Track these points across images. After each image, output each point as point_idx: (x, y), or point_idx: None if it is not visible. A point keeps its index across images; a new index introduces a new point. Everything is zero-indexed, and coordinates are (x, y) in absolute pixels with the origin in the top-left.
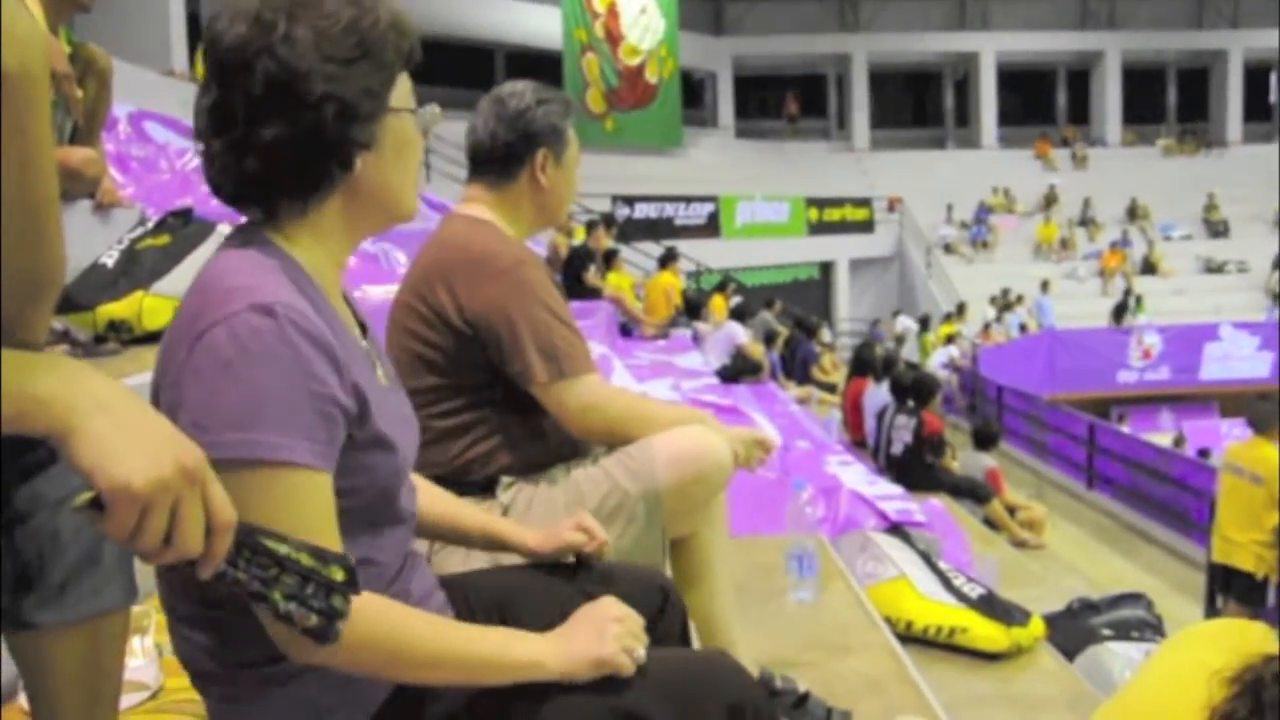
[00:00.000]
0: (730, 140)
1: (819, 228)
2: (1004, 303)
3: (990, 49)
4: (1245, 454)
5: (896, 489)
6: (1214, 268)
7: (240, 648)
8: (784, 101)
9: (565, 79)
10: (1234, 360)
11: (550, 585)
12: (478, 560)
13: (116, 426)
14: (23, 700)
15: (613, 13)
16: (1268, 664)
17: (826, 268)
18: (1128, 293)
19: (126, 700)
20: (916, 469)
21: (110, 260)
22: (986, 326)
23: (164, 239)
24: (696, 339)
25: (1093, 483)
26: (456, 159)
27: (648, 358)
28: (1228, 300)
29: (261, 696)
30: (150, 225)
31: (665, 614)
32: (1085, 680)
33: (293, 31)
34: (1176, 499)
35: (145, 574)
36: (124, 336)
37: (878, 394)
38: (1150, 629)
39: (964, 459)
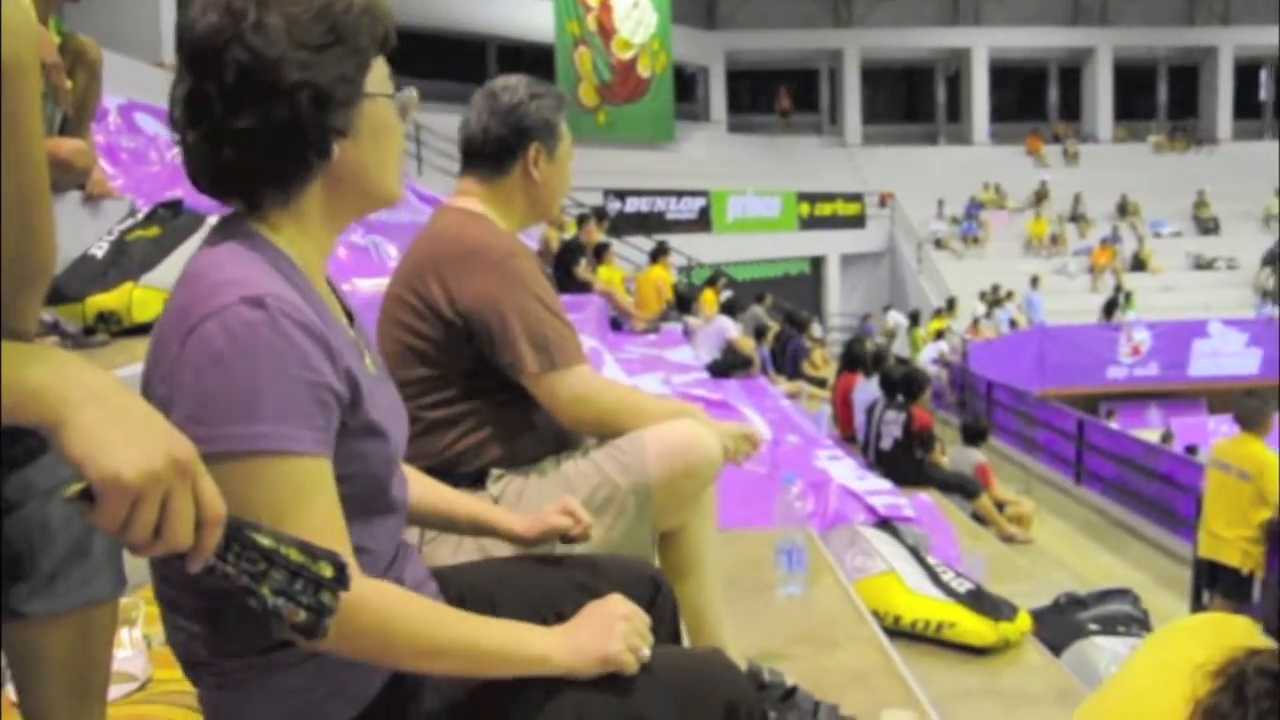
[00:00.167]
0: (722, 134)
1: (810, 222)
2: (994, 298)
3: (982, 45)
4: (1232, 450)
5: (886, 484)
6: (1203, 264)
7: (234, 638)
8: (776, 96)
9: (557, 72)
10: (1223, 357)
11: (540, 577)
12: (468, 551)
13: (108, 418)
14: (10, 691)
15: (605, 6)
16: (1251, 658)
17: (817, 262)
18: (1118, 289)
19: (115, 691)
20: (906, 464)
21: (100, 252)
22: (975, 321)
23: (154, 230)
24: (687, 333)
25: (1081, 478)
26: (448, 152)
27: (638, 352)
28: (1217, 297)
29: (255, 687)
30: (140, 217)
31: (656, 605)
32: (1072, 675)
33: (264, 19)
34: (1164, 495)
35: (134, 565)
36: (113, 328)
37: (868, 389)
38: (1137, 624)
39: (953, 454)
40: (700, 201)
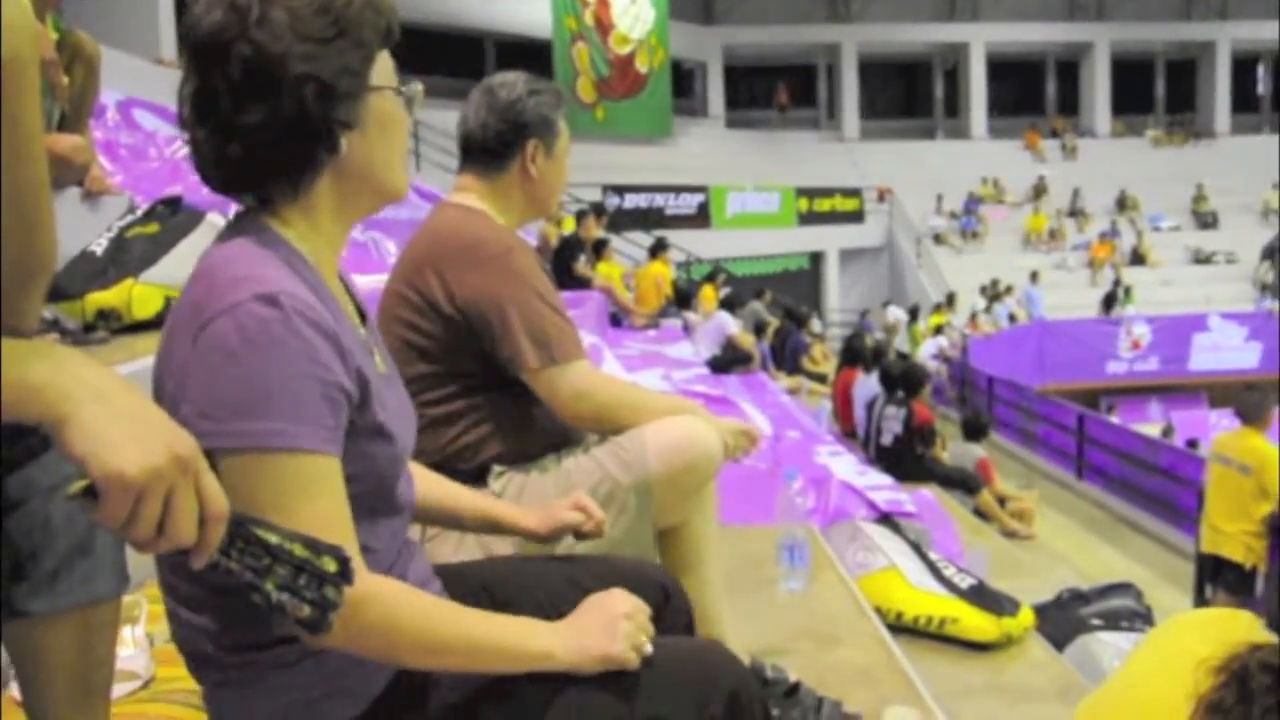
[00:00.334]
0: (720, 130)
1: (809, 218)
2: (993, 293)
3: (980, 39)
4: (1233, 444)
5: (886, 479)
6: (1202, 258)
7: (241, 632)
8: (774, 91)
9: (555, 68)
10: (1223, 351)
11: (546, 579)
12: (469, 549)
13: (111, 415)
14: (14, 689)
15: (603, 2)
16: (1254, 653)
17: (816, 258)
18: (1116, 283)
19: (117, 690)
20: (906, 459)
21: (99, 248)
22: (973, 316)
23: (153, 227)
24: (687, 329)
25: (1082, 473)
26: (447, 148)
27: (638, 348)
28: (1216, 291)
29: (260, 681)
30: (139, 213)
31: (667, 613)
32: (1075, 670)
33: (267, 14)
34: (1165, 489)
35: (137, 563)
36: (113, 325)
37: (868, 384)
38: (1140, 619)
39: (954, 450)
40: (699, 197)
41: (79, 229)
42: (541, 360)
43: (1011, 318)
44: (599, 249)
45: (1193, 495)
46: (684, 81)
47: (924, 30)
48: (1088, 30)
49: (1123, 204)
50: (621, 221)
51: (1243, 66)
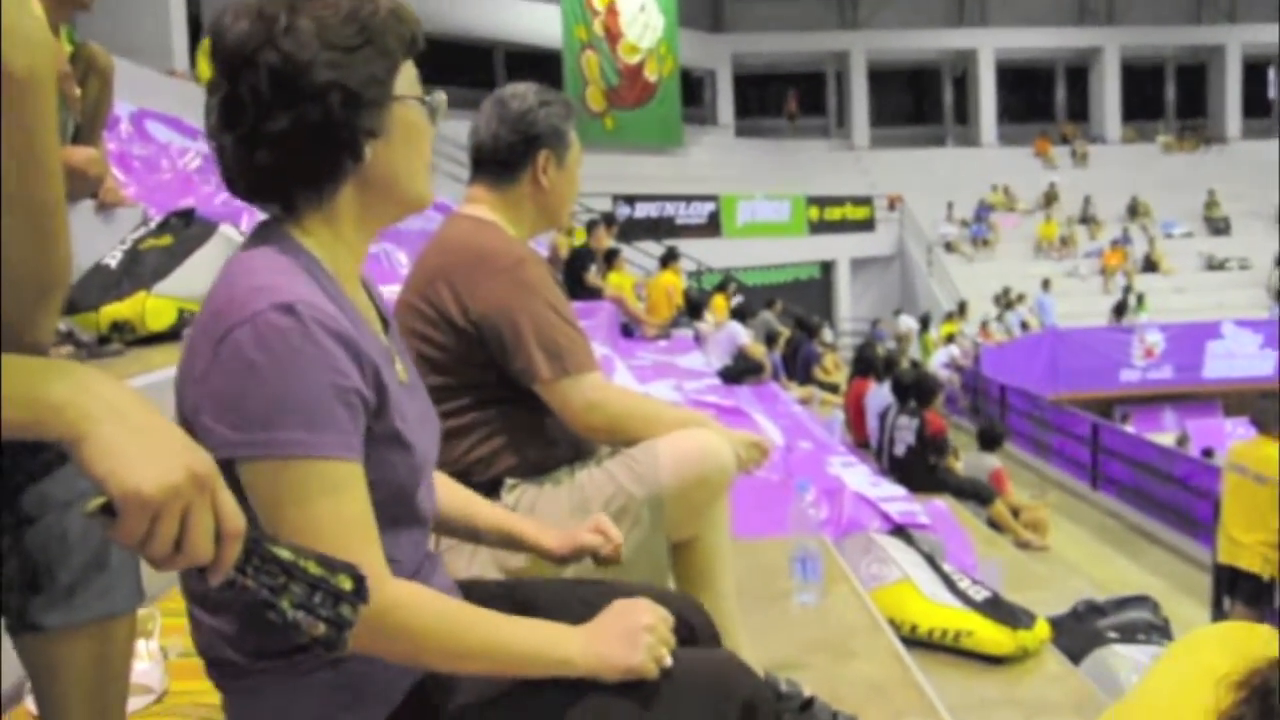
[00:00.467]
0: (730, 139)
1: (819, 227)
2: (1005, 301)
3: (989, 46)
4: (1250, 453)
5: (899, 490)
6: (1216, 265)
7: (261, 638)
8: (784, 99)
9: (565, 77)
10: (1237, 358)
11: (569, 607)
12: (482, 562)
13: (129, 433)
14: (30, 703)
15: (612, 10)
16: (1274, 668)
17: (827, 267)
18: (1127, 290)
19: (131, 703)
20: (919, 470)
21: (113, 261)
22: (985, 325)
23: (166, 239)
24: (698, 339)
25: (1097, 483)
26: (457, 158)
27: (649, 358)
28: (1230, 298)
29: (281, 688)
30: (153, 225)
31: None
32: (1092, 684)
33: (294, 23)
34: (1181, 499)
35: (151, 577)
36: (127, 337)
37: (880, 394)
38: (1157, 631)
39: (968, 459)
40: (709, 206)
41: (93, 241)
42: (554, 371)
43: (1024, 326)
44: (610, 259)
45: (1208, 505)
46: (693, 90)
47: (933, 37)
48: (1097, 35)
49: (1134, 210)
50: (632, 231)
51: (1253, 71)
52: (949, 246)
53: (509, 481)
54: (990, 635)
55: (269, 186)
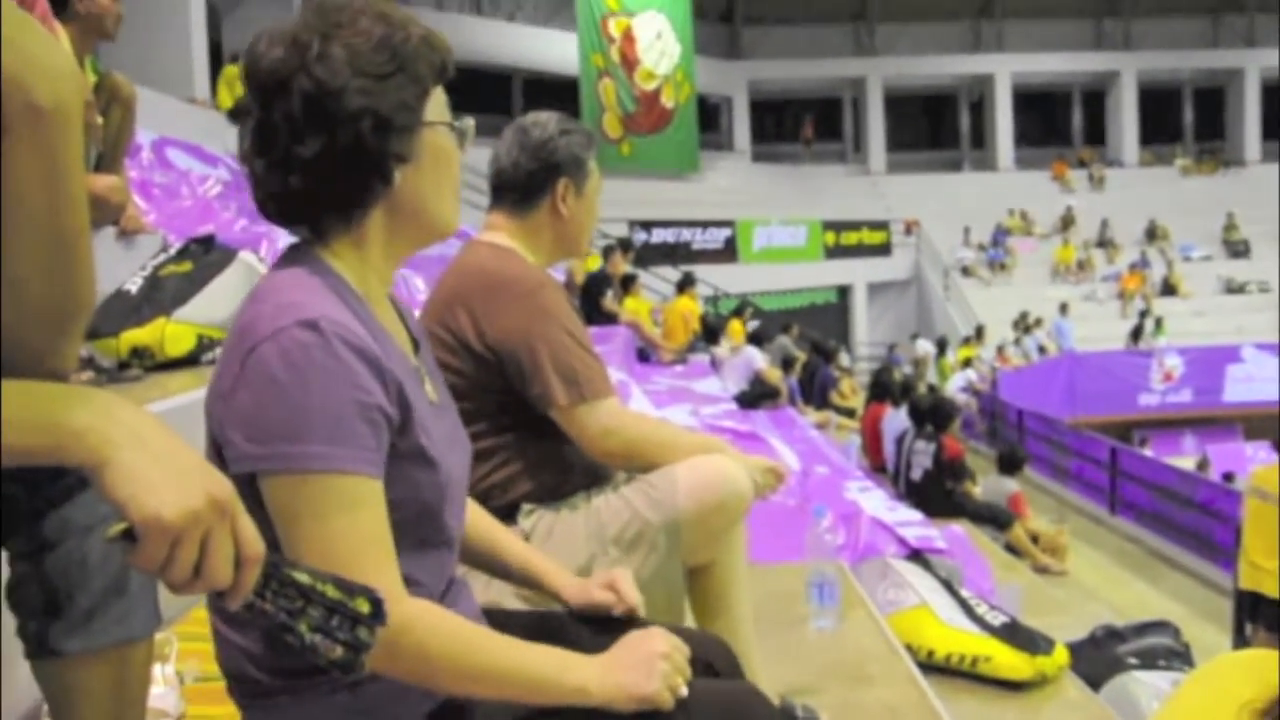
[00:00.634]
0: (746, 164)
1: (836, 251)
2: (1023, 325)
3: (1005, 71)
4: (1271, 478)
5: (917, 515)
6: (1235, 288)
7: (283, 657)
8: (800, 125)
9: (582, 104)
10: (1257, 382)
11: (593, 642)
12: (499, 589)
13: (149, 458)
14: None
15: (629, 38)
16: None
17: (844, 291)
18: (1143, 314)
19: None
20: (936, 494)
21: (134, 287)
22: (1002, 349)
23: (186, 266)
24: (714, 364)
25: (1115, 508)
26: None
27: (666, 383)
28: (1249, 321)
29: (299, 708)
30: (173, 252)
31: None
32: (1112, 711)
33: (327, 50)
34: (1201, 524)
35: (168, 602)
36: (146, 363)
37: (897, 419)
38: (1178, 658)
39: (987, 483)
40: (726, 231)
41: (114, 267)
42: (570, 397)
43: (1041, 350)
44: (627, 284)
45: (1229, 530)
46: (710, 116)
47: (949, 62)
48: (1114, 60)
49: (1152, 234)
50: (649, 256)
51: (1271, 94)
52: (966, 271)
53: (525, 507)
54: (1008, 661)
55: (300, 210)
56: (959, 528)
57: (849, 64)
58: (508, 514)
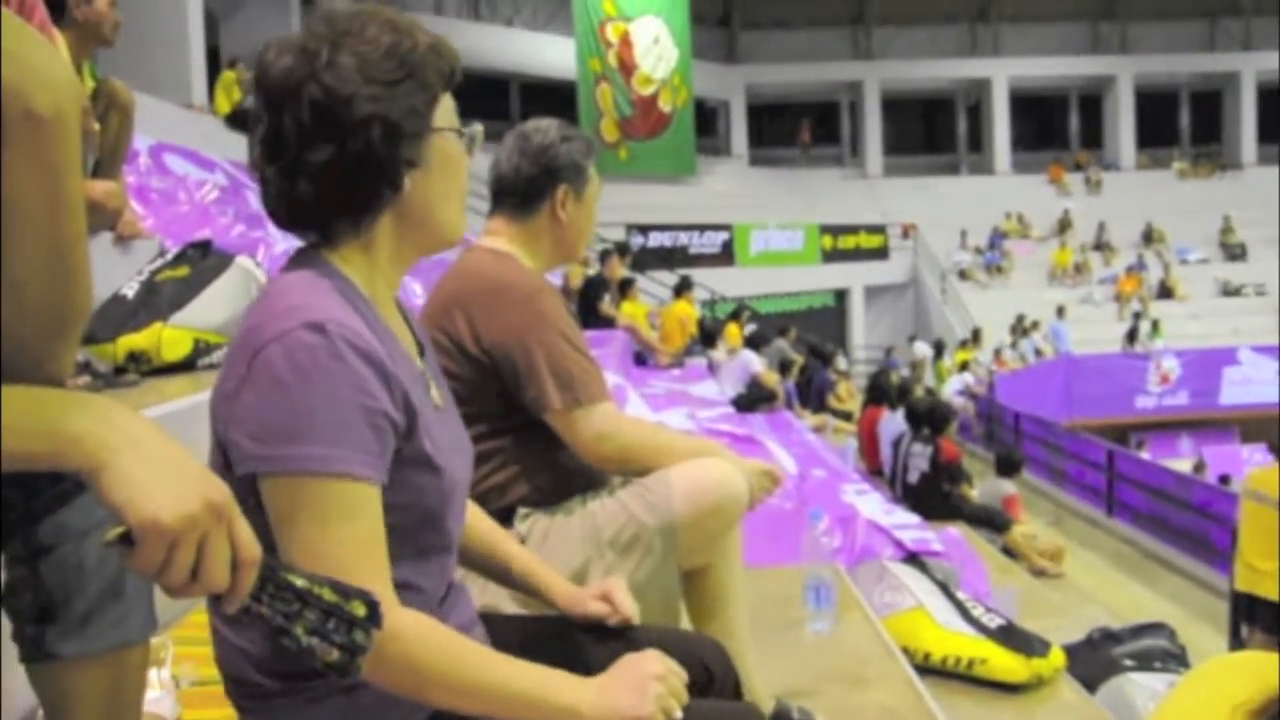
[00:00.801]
0: (744, 168)
1: (833, 255)
2: (1020, 328)
3: (1002, 74)
4: (1267, 480)
5: (913, 518)
6: (1231, 291)
7: (283, 660)
8: (797, 129)
9: (579, 109)
10: (1254, 384)
11: (587, 647)
12: (494, 592)
13: (146, 463)
14: None
15: (626, 42)
16: None
17: (841, 295)
18: (1137, 316)
19: None
20: (933, 497)
21: (130, 292)
22: (999, 352)
23: (183, 270)
24: (711, 368)
25: (1113, 510)
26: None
27: (663, 387)
28: (1246, 323)
29: (296, 712)
30: (169, 257)
31: (711, 692)
32: (1108, 712)
33: (336, 58)
34: (1198, 526)
35: (164, 606)
36: (143, 368)
37: (893, 422)
38: (1174, 659)
39: (983, 486)
40: (723, 235)
41: (111, 272)
42: (565, 402)
43: (1038, 353)
44: (624, 288)
45: (1226, 532)
46: (707, 120)
47: (946, 66)
48: (1110, 63)
49: (1149, 237)
50: (646, 260)
51: (1268, 97)
52: (963, 274)
53: (521, 510)
54: (1004, 663)
55: (310, 216)
56: (956, 530)
57: (846, 68)
58: (504, 517)
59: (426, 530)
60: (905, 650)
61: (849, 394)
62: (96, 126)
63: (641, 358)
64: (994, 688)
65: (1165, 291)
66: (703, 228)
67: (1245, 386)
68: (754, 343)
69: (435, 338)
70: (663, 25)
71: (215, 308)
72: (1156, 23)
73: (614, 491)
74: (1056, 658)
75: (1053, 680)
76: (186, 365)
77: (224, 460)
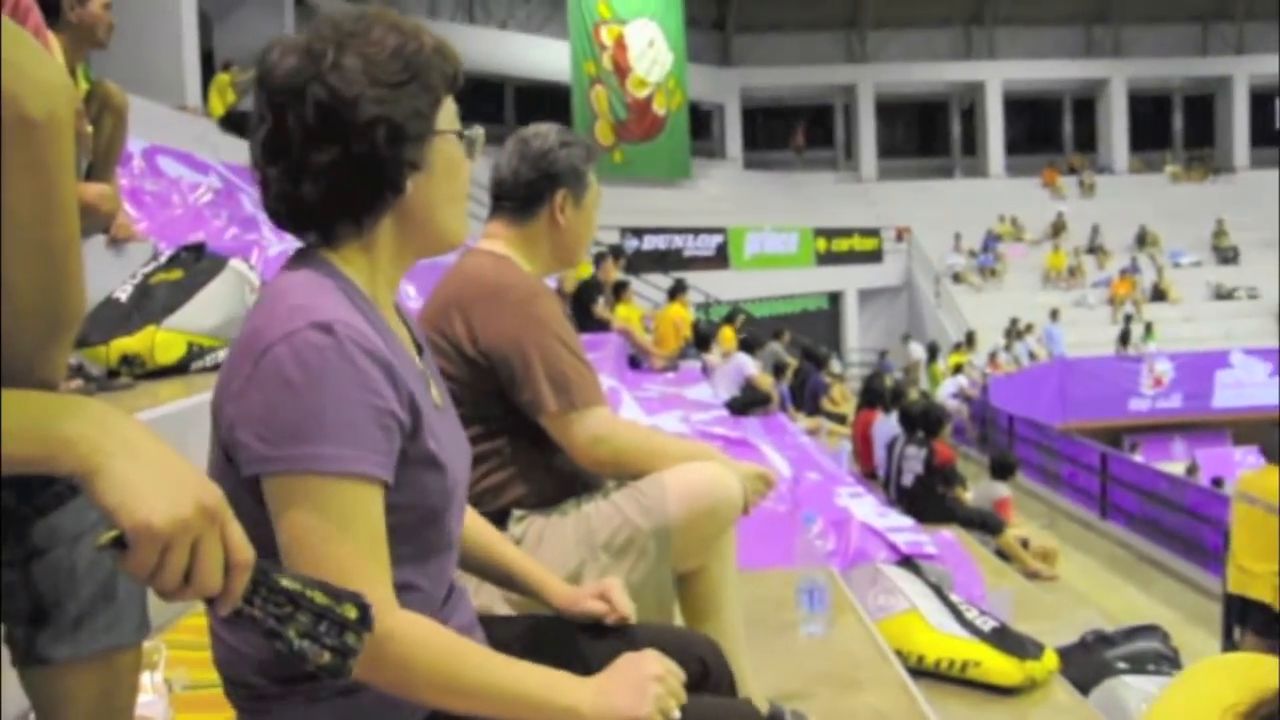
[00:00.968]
0: (738, 171)
1: (827, 258)
2: (1014, 331)
3: (996, 78)
4: (1259, 483)
5: (907, 521)
6: (1224, 294)
7: (281, 662)
8: (791, 132)
9: (574, 112)
10: (1246, 387)
11: (583, 644)
12: (489, 593)
13: (140, 467)
14: None
15: (620, 45)
16: None
17: (835, 298)
18: (1129, 319)
19: None
20: (927, 500)
21: (124, 295)
22: (993, 355)
23: (176, 273)
24: (705, 371)
25: (1106, 512)
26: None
27: (657, 390)
28: (1238, 326)
29: (294, 713)
30: (163, 259)
31: (707, 686)
32: (1101, 715)
33: (341, 60)
34: (1191, 528)
35: (157, 610)
36: (136, 371)
37: (887, 425)
38: (1167, 662)
39: (977, 489)
40: (717, 238)
41: (104, 276)
42: (560, 405)
43: (1032, 356)
44: (618, 291)
45: (1218, 534)
46: (702, 123)
47: (940, 70)
48: (1104, 67)
49: (1143, 240)
50: (640, 263)
51: (1260, 101)
52: (957, 277)
53: (516, 512)
54: (998, 666)
55: (311, 217)
56: (950, 533)
57: (840, 71)
58: (499, 519)
59: (428, 530)
60: (899, 653)
61: (843, 397)
62: (90, 129)
63: (636, 361)
64: (987, 690)
65: (1158, 294)
66: (697, 231)
67: (1238, 389)
68: (748, 346)
69: (433, 339)
70: (657, 28)
71: (209, 311)
72: (1150, 26)
73: (609, 494)
74: (1050, 660)
75: (1046, 683)
76: (179, 369)
77: (224, 461)
